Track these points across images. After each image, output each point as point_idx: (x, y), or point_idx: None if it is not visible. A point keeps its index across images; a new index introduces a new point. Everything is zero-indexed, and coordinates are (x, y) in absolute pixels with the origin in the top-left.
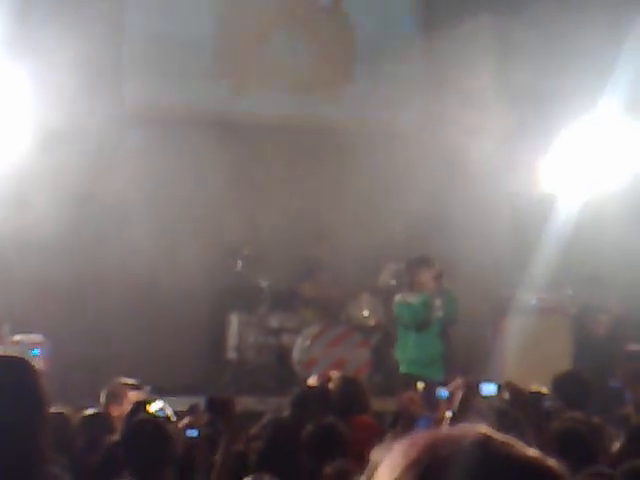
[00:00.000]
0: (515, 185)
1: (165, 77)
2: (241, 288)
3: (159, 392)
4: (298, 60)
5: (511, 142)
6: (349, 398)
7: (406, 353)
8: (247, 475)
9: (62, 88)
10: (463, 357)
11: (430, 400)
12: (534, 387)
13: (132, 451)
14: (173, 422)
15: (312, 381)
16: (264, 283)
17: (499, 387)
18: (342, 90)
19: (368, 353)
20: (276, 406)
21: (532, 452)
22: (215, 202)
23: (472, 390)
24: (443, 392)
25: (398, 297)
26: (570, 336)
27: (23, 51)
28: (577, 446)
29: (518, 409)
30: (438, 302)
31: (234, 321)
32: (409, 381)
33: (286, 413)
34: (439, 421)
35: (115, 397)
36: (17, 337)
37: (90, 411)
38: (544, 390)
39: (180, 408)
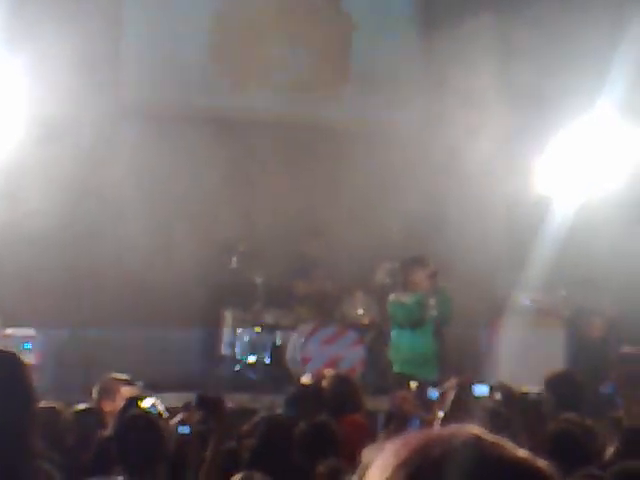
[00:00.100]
0: (511, 186)
1: (162, 73)
2: (236, 284)
3: (152, 388)
4: (296, 59)
5: (509, 143)
6: (342, 397)
7: (399, 352)
8: (239, 472)
9: (58, 82)
10: (457, 357)
11: (423, 400)
12: (525, 389)
13: (124, 447)
14: (165, 418)
15: (306, 379)
16: (259, 280)
17: (491, 388)
18: (340, 89)
19: (362, 351)
20: (269, 403)
21: (523, 453)
22: (211, 199)
23: (464, 390)
24: (434, 393)
25: (392, 296)
26: (563, 338)
27: (20, 45)
28: (571, 448)
29: (510, 410)
30: (432, 302)
31: (228, 317)
32: (402, 380)
33: (280, 411)
34: (432, 421)
35: (107, 392)
36: (9, 331)
37: (82, 406)
38: (535, 391)
39: (173, 404)
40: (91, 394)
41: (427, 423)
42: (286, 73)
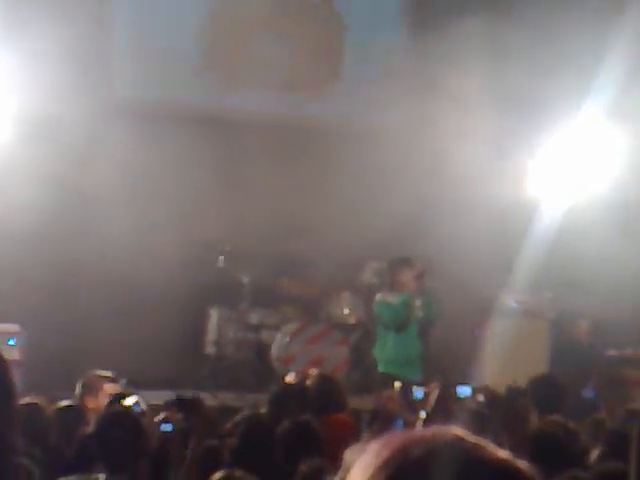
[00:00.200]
0: (499, 188)
1: (152, 72)
2: (222, 284)
3: (136, 385)
4: (287, 58)
5: (497, 145)
6: (326, 396)
7: (384, 352)
8: (221, 470)
9: (48, 81)
10: (442, 358)
11: (407, 400)
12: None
13: (105, 444)
14: (148, 416)
15: (290, 378)
16: (245, 279)
17: (474, 389)
18: (331, 89)
19: (347, 351)
20: (253, 402)
21: (504, 454)
22: (198, 198)
23: (447, 391)
24: (419, 392)
25: (378, 296)
26: (548, 339)
27: (10, 43)
28: (553, 449)
29: (492, 411)
30: (418, 302)
31: (214, 316)
32: (387, 380)
33: (263, 410)
34: (416, 422)
35: (90, 389)
36: None
37: (64, 403)
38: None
39: (157, 402)
40: (74, 391)
41: (411, 423)
42: (277, 73)
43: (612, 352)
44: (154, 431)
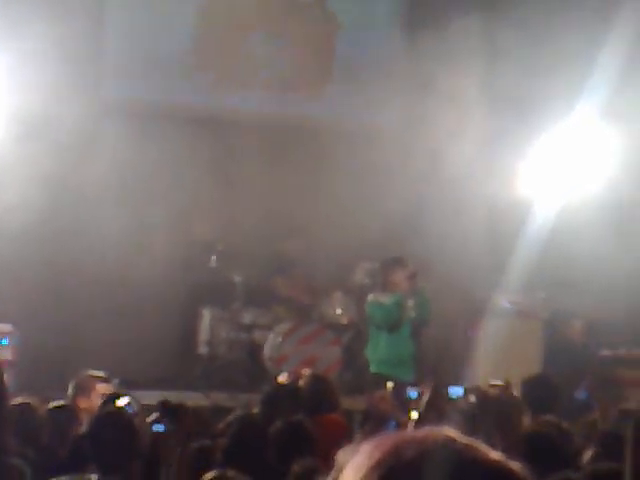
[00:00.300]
0: (492, 188)
1: (145, 72)
2: (214, 283)
3: (128, 385)
4: (280, 58)
5: (491, 145)
6: (319, 396)
7: (377, 353)
8: (212, 471)
9: (40, 80)
10: (435, 358)
11: (399, 400)
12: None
13: (98, 445)
14: (141, 416)
15: (282, 379)
16: (238, 279)
17: (465, 390)
18: (324, 89)
19: (339, 351)
20: (246, 402)
21: (496, 455)
22: (191, 197)
23: (439, 392)
24: (413, 392)
25: (371, 297)
26: (541, 340)
27: (3, 42)
28: (547, 450)
29: (484, 412)
30: (411, 303)
31: (206, 316)
32: (379, 381)
33: (256, 410)
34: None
35: (83, 389)
36: None
37: (57, 403)
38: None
39: (149, 402)
40: (67, 391)
41: (404, 424)
42: (271, 72)
43: (606, 352)
44: (146, 431)
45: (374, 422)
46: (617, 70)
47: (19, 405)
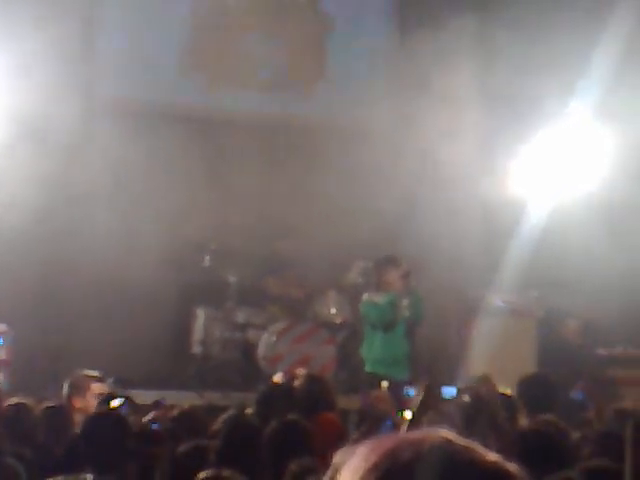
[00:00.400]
0: (486, 187)
1: (138, 72)
2: (208, 283)
3: (123, 385)
4: (272, 58)
5: (484, 145)
6: (315, 396)
7: (372, 352)
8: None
9: (33, 80)
10: (429, 358)
11: (395, 400)
12: (500, 389)
13: (93, 445)
14: (136, 416)
15: (277, 378)
16: (232, 278)
17: (459, 390)
18: (316, 89)
19: (334, 350)
20: (241, 401)
21: (493, 456)
22: (184, 197)
23: (432, 392)
24: (411, 391)
25: (365, 296)
26: (535, 338)
27: None
28: (545, 449)
29: (478, 412)
30: (405, 302)
31: (200, 315)
32: (374, 380)
33: (251, 410)
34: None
35: (78, 389)
36: None
37: (51, 403)
38: (508, 392)
39: (144, 402)
40: (62, 390)
41: (400, 424)
42: (263, 72)
43: (601, 351)
44: (142, 431)
45: (370, 422)
46: (610, 70)
47: (14, 405)
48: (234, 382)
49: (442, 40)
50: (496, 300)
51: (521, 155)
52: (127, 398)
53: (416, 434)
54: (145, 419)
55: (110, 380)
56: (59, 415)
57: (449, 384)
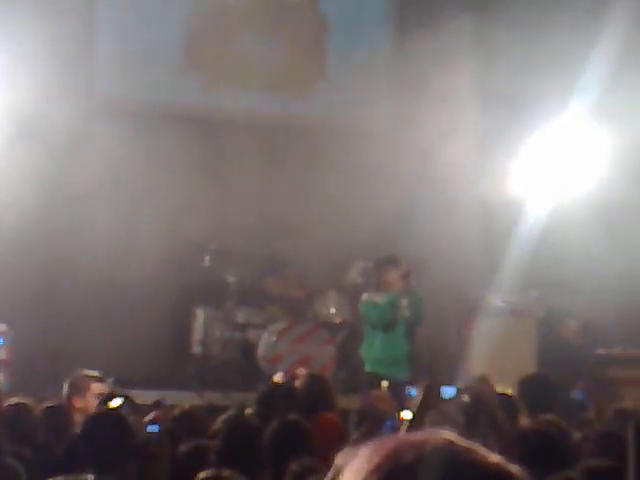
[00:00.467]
0: (485, 187)
1: (135, 71)
2: (208, 283)
3: (123, 385)
4: (271, 58)
5: (483, 144)
6: (315, 396)
7: (372, 352)
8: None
9: (32, 80)
10: (429, 358)
11: (396, 399)
12: (499, 389)
13: (93, 445)
14: (136, 416)
15: (277, 378)
16: (231, 278)
17: (458, 390)
18: (315, 89)
19: (333, 350)
20: (241, 401)
21: (495, 458)
22: (184, 197)
23: (432, 392)
24: (413, 390)
25: (365, 296)
26: (535, 338)
27: None
28: (546, 448)
29: (478, 412)
30: (405, 302)
31: (200, 315)
32: (374, 380)
33: (251, 410)
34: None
35: (78, 389)
36: None
37: (51, 403)
38: (509, 392)
39: (144, 401)
40: (62, 390)
41: (400, 424)
42: (262, 72)
43: (601, 351)
44: (141, 431)
45: (370, 422)
46: (609, 70)
47: (14, 405)
48: (234, 382)
49: (441, 40)
50: (496, 300)
51: (520, 155)
52: (127, 398)
53: (418, 435)
54: (146, 419)
55: (110, 380)
56: (59, 415)
57: (449, 384)
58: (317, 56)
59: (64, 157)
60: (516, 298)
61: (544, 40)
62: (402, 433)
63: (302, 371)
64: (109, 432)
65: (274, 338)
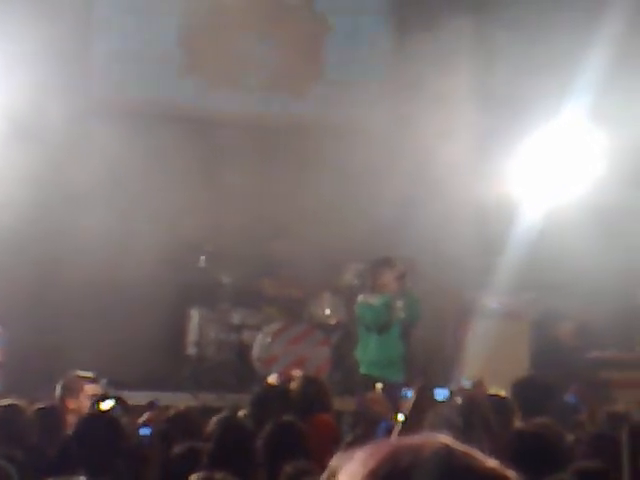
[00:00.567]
0: (481, 188)
1: (132, 71)
2: (203, 284)
3: (116, 386)
4: (269, 58)
5: (480, 145)
6: (311, 398)
7: (367, 354)
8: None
9: (28, 79)
10: (424, 359)
11: (391, 401)
12: (493, 390)
13: (85, 446)
14: (129, 417)
15: (272, 380)
16: (226, 279)
17: (452, 392)
18: (312, 89)
19: (328, 352)
20: (235, 403)
21: (492, 463)
22: (179, 197)
23: (425, 394)
24: (409, 392)
25: (360, 298)
26: (529, 341)
27: None
28: (540, 451)
29: (471, 414)
30: (400, 303)
31: (195, 317)
32: (368, 382)
33: (245, 411)
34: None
35: (71, 390)
36: None
37: (44, 404)
38: (503, 394)
39: (138, 403)
40: (55, 391)
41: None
42: (260, 73)
43: (594, 354)
44: (134, 432)
45: (365, 424)
46: (607, 72)
47: (6, 406)
48: (229, 383)
49: (440, 40)
50: (491, 302)
51: (517, 156)
52: (118, 399)
53: (414, 439)
54: (140, 420)
55: (103, 381)
56: (52, 416)
57: (444, 386)
58: (315, 56)
59: (61, 157)
60: (511, 300)
61: (543, 40)
62: (395, 435)
63: (297, 373)
64: (102, 434)
65: (269, 339)
